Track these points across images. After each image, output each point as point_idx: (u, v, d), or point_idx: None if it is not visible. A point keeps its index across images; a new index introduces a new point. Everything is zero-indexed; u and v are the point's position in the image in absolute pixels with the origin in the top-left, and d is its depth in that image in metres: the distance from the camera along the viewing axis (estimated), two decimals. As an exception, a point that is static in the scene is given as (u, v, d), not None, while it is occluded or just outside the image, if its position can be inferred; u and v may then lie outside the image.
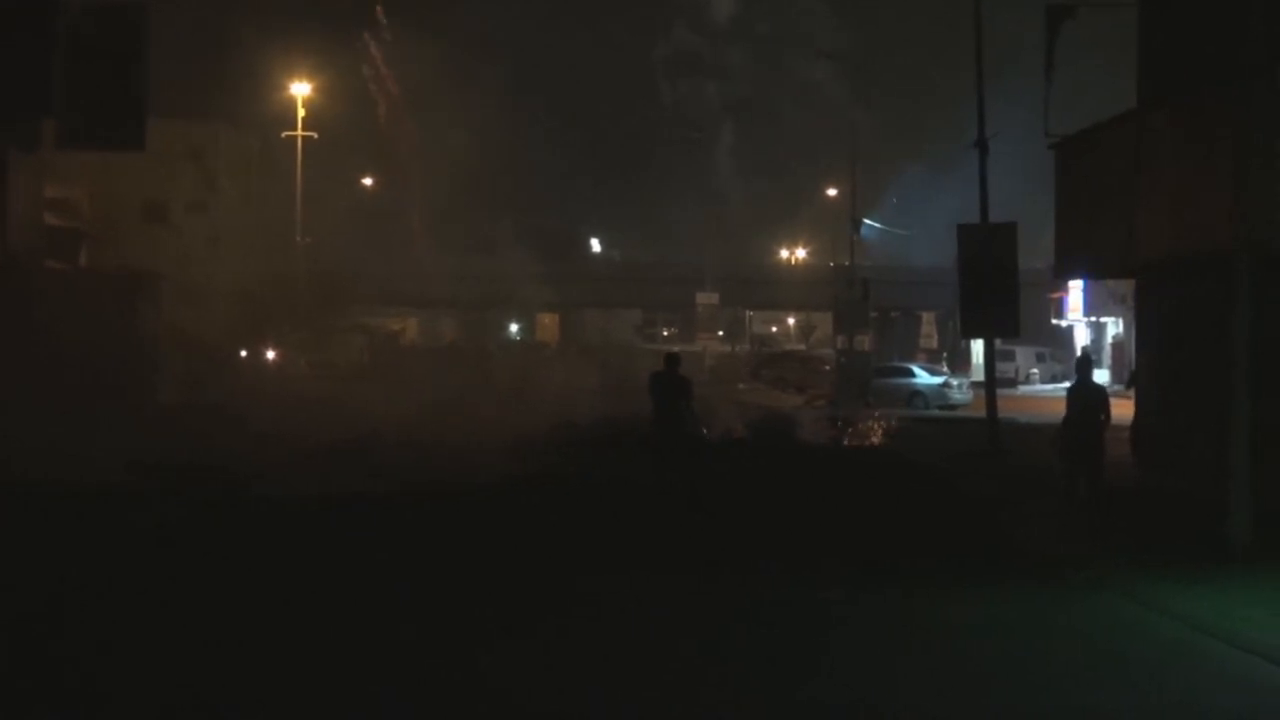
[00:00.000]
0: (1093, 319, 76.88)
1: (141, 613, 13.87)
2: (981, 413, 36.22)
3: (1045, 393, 65.46)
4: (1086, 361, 21.87)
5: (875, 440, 38.27)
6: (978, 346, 60.11)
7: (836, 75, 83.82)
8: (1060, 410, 20.76)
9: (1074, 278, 56.64)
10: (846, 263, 70.53)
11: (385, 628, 13.33)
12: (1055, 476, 21.22)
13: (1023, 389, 73.75)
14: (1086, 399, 20.23)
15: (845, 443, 37.47)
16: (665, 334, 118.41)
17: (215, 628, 13.27)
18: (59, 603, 14.40)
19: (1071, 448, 20.13)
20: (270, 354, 67.11)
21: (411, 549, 17.97)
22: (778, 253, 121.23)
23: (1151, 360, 27.01)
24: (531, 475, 25.48)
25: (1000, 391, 36.19)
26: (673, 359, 23.49)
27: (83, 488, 21.96)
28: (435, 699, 11.09)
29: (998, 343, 37.31)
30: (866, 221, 74.39)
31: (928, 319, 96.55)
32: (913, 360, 71.24)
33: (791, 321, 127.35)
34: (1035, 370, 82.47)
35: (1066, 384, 22.81)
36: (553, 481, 24.73)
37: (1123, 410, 23.45)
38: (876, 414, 46.99)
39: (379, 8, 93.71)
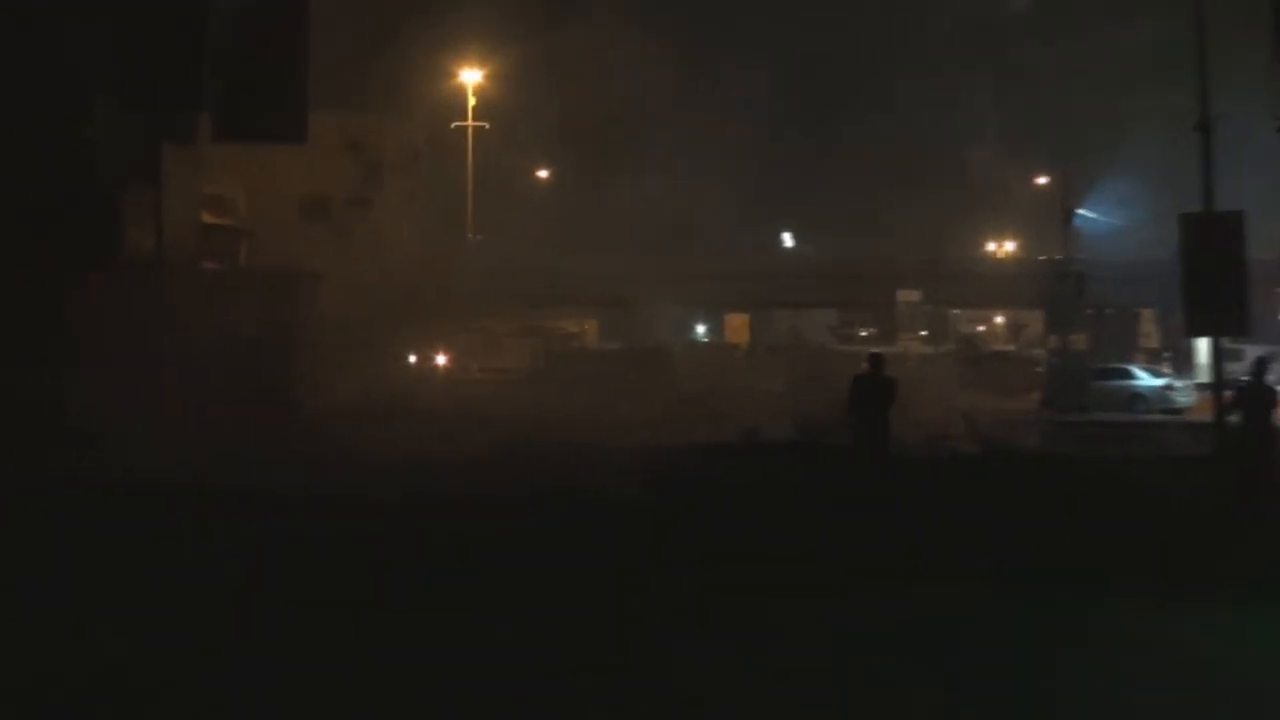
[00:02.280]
0: (1331, 315, 75.15)
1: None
2: (1207, 417, 35.58)
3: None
4: (1262, 364, 21.69)
5: (1088, 446, 37.71)
6: (1202, 346, 58.98)
7: (1046, 57, 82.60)
8: None
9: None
10: (1058, 256, 69.63)
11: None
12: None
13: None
14: (1260, 399, 20.14)
15: (1057, 449, 36.93)
16: (863, 334, 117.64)
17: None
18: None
19: (1245, 450, 19.97)
20: (440, 358, 67.75)
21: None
22: (984, 246, 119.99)
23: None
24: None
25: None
26: (877, 359, 23.21)
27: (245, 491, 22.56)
28: None
29: (1225, 341, 36.55)
30: (1080, 211, 73.32)
31: (1147, 316, 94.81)
32: (1131, 360, 70.05)
33: (1000, 320, 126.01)
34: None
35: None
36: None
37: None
38: (1092, 418, 46.40)
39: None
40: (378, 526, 20.84)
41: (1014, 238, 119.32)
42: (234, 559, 17.89)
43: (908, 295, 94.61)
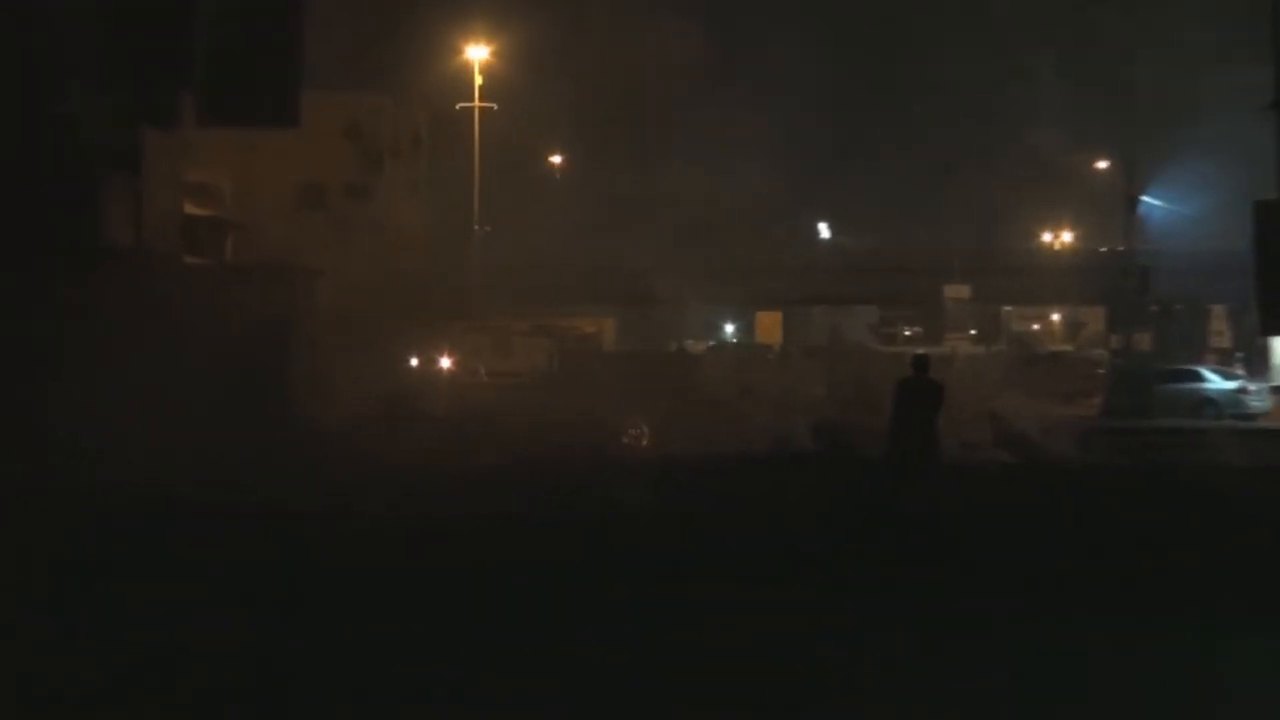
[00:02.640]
0: None
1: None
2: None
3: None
4: None
5: (1151, 455, 37.71)
6: (1278, 345, 59.03)
7: (1108, 30, 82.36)
8: None
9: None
10: (1121, 247, 69.62)
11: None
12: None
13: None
14: None
15: (1122, 461, 36.93)
16: (907, 334, 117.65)
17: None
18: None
19: None
20: (444, 361, 67.72)
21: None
22: (1039, 236, 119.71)
23: None
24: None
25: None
26: (921, 362, 23.07)
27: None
28: None
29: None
30: (1145, 198, 73.29)
31: (1218, 313, 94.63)
32: (1201, 362, 69.95)
33: (1056, 318, 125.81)
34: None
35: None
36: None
37: None
38: (1158, 424, 46.37)
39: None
40: (370, 544, 20.92)
41: (1072, 227, 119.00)
42: (215, 580, 17.93)
43: (956, 291, 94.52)
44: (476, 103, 75.27)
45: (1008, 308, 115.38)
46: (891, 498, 22.09)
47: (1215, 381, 58.40)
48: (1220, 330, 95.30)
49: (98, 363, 32.25)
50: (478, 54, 75.99)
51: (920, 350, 35.14)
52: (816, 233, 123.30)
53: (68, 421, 28.49)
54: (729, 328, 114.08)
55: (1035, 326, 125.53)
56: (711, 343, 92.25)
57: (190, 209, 45.72)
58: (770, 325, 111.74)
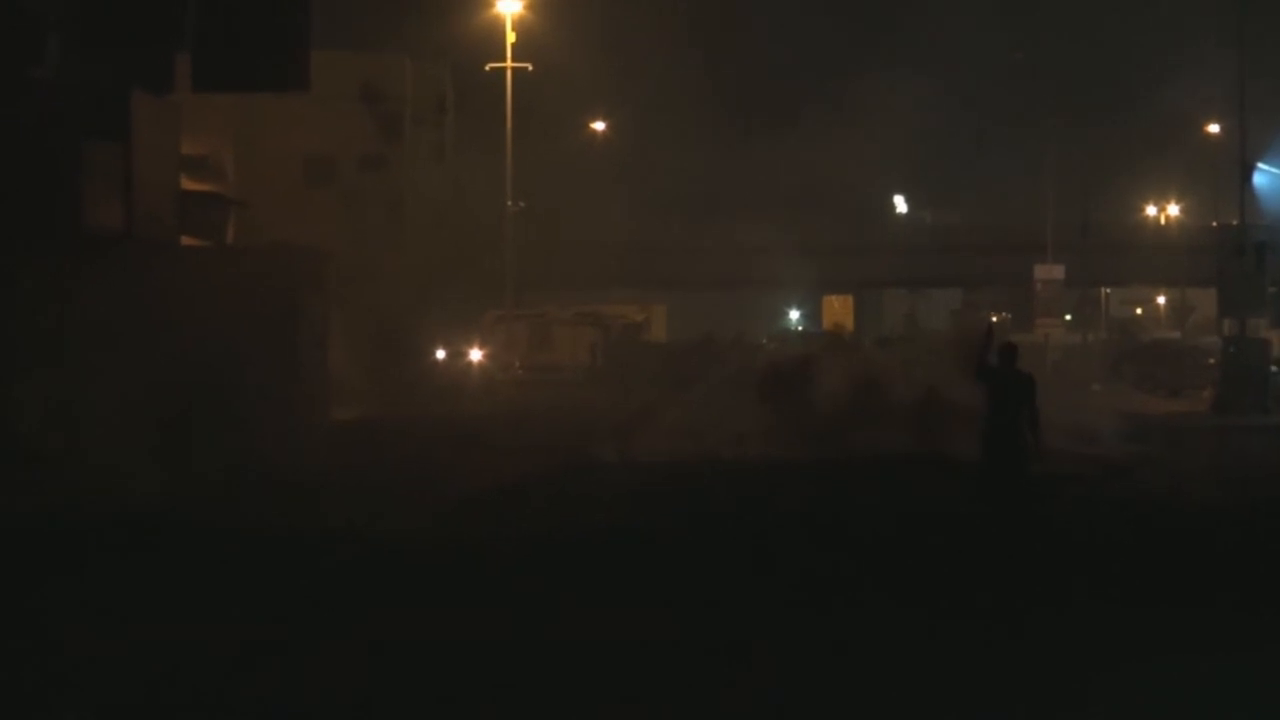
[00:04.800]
0: None
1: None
2: None
3: None
4: None
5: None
6: None
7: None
8: None
9: None
10: (1234, 221, 68.94)
11: None
12: None
13: None
14: None
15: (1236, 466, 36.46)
16: (994, 320, 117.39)
17: None
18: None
19: None
20: (475, 354, 67.58)
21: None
22: (1142, 210, 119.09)
23: None
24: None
25: None
26: (1008, 351, 22.83)
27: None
28: None
29: None
30: (1262, 165, 72.63)
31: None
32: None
33: (1162, 301, 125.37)
34: None
35: None
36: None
37: None
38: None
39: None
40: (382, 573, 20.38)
41: (1179, 199, 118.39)
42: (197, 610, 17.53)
43: (1048, 271, 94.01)
44: (509, 62, 74.96)
45: (1107, 290, 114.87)
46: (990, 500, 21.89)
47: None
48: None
49: (80, 359, 32.06)
50: (509, 7, 75.61)
51: (1009, 338, 34.67)
52: (892, 206, 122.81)
53: (45, 429, 28.27)
54: (794, 314, 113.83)
55: (1138, 311, 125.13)
56: (768, 335, 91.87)
57: (187, 184, 45.50)
58: (840, 311, 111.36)
